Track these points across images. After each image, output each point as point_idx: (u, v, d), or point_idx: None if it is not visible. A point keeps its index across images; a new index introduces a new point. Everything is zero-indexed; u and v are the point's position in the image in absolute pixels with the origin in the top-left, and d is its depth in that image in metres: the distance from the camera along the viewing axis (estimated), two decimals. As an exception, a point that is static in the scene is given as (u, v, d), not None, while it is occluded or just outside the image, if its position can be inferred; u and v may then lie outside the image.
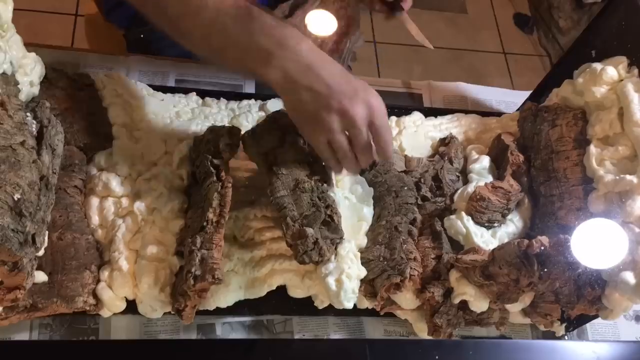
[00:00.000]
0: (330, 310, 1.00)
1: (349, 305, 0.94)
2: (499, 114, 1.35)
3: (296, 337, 1.04)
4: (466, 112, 1.32)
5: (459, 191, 1.08)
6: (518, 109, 1.38)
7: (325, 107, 0.89)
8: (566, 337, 1.09)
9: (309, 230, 0.90)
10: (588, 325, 1.13)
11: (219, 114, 1.17)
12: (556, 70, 1.34)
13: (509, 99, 1.46)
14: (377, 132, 0.92)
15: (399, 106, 1.33)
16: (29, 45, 1.01)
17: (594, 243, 0.87)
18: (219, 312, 0.99)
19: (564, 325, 1.05)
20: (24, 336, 0.96)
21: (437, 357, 0.67)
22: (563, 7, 3.05)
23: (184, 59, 1.35)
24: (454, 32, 3.06)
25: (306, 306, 1.03)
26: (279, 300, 1.02)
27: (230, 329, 1.04)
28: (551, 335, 1.10)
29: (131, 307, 0.96)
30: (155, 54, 1.37)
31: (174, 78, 1.31)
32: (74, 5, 2.11)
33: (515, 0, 3.31)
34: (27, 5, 1.44)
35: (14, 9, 0.94)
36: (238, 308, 1.00)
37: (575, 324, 1.08)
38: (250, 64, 0.90)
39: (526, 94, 1.39)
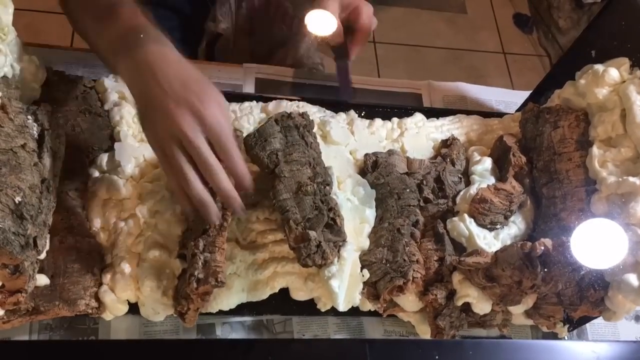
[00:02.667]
0: (331, 310, 1.01)
1: (346, 307, 0.94)
2: (498, 113, 1.35)
3: (296, 337, 1.04)
4: (466, 112, 1.32)
5: (461, 193, 1.07)
6: (518, 109, 1.38)
7: (153, 107, 0.83)
8: (566, 337, 1.09)
9: (312, 233, 0.90)
10: (588, 325, 1.13)
11: (221, 116, 1.16)
12: (556, 70, 1.34)
13: (508, 99, 1.46)
14: (217, 148, 0.83)
15: (398, 106, 1.33)
16: (28, 45, 1.00)
17: (594, 243, 0.87)
18: (219, 312, 0.99)
19: (566, 327, 1.05)
20: (23, 336, 0.96)
21: (436, 357, 0.67)
22: (563, 7, 3.05)
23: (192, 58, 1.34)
24: (453, 32, 3.06)
25: (306, 306, 1.03)
26: (279, 301, 1.02)
27: (230, 329, 1.04)
28: (551, 335, 1.10)
29: (131, 307, 0.96)
30: None
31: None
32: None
33: (515, 0, 3.31)
34: (26, 5, 1.43)
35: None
36: (238, 308, 1.00)
37: (575, 324, 1.08)
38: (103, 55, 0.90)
39: (526, 94, 1.39)
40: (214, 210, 0.86)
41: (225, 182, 0.84)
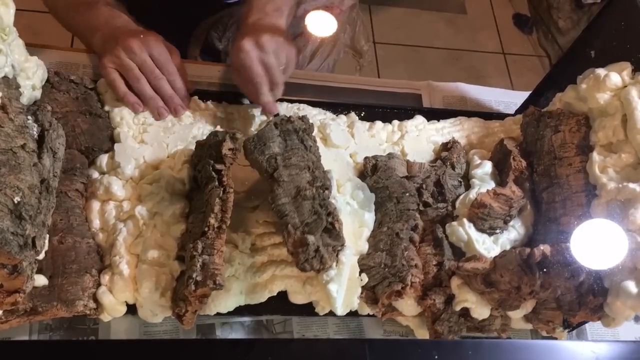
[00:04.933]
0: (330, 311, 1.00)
1: (344, 312, 0.94)
2: (498, 114, 1.35)
3: (296, 337, 1.04)
4: (466, 112, 1.32)
5: (460, 197, 1.07)
6: (517, 110, 1.38)
7: (110, 41, 1.12)
8: (566, 337, 1.09)
9: (310, 238, 0.89)
10: (587, 325, 1.13)
11: (221, 118, 1.16)
12: (555, 70, 1.34)
13: (508, 99, 1.46)
14: (160, 64, 1.14)
15: (398, 106, 1.33)
16: (28, 46, 1.00)
17: (593, 243, 0.87)
18: (218, 314, 0.99)
19: (566, 331, 1.05)
20: (23, 336, 0.96)
21: (436, 357, 0.67)
22: (562, 7, 3.05)
23: (183, 59, 1.35)
24: (453, 33, 3.06)
25: (306, 306, 1.03)
26: (278, 301, 1.02)
27: (229, 329, 1.04)
28: (550, 335, 1.09)
29: (131, 308, 0.95)
30: None
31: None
32: (74, 4, 2.10)
33: (515, 0, 3.30)
34: (27, 5, 1.43)
35: (13, 10, 0.94)
36: (238, 309, 1.00)
37: (574, 324, 1.07)
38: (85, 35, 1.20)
39: (525, 94, 1.39)
40: (160, 104, 1.13)
41: (167, 87, 1.14)
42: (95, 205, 0.99)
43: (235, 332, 1.04)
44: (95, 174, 1.02)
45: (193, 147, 1.05)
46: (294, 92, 1.33)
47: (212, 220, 0.90)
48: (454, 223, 1.04)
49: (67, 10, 1.21)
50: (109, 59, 1.11)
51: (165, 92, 1.13)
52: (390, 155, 1.13)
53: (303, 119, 1.03)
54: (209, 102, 1.19)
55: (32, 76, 0.97)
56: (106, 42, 1.13)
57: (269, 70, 1.12)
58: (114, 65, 1.11)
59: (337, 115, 1.23)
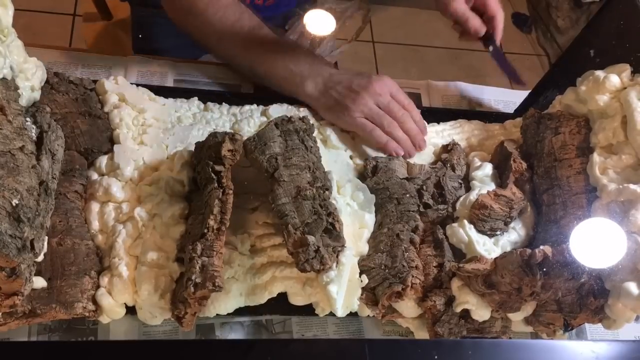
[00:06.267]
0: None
1: (344, 313, 0.94)
2: (497, 113, 1.35)
3: (295, 337, 1.04)
4: (465, 112, 1.32)
5: (461, 199, 1.07)
6: (516, 109, 1.38)
7: (352, 91, 1.14)
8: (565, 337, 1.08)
9: (311, 239, 0.89)
10: (587, 324, 1.12)
11: (221, 119, 1.16)
12: (555, 69, 1.34)
13: (507, 99, 1.46)
14: (400, 102, 1.17)
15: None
16: (27, 46, 1.00)
17: (593, 242, 0.87)
18: (217, 315, 0.99)
19: (566, 334, 1.05)
20: (22, 338, 0.96)
21: (436, 357, 0.67)
22: (561, 6, 3.05)
23: (183, 59, 1.35)
24: (452, 32, 3.04)
25: (305, 306, 1.03)
26: (278, 300, 1.01)
27: (229, 330, 1.04)
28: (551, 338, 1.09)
29: (131, 308, 0.95)
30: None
31: (173, 78, 1.31)
32: (72, 5, 2.09)
33: (514, -1, 3.31)
34: (25, 5, 1.43)
35: (12, 9, 0.93)
36: (237, 309, 0.99)
37: (575, 326, 1.07)
38: (288, 88, 1.20)
39: (524, 93, 1.39)
40: (409, 146, 1.17)
41: (411, 123, 1.17)
42: (95, 206, 0.99)
43: (235, 333, 1.04)
44: (95, 176, 1.02)
45: (192, 148, 1.04)
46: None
47: (211, 222, 0.90)
48: (455, 224, 1.04)
49: (233, 47, 1.24)
50: (358, 109, 1.14)
51: (411, 130, 1.17)
52: (390, 157, 1.14)
53: (304, 119, 1.03)
54: (208, 103, 1.19)
55: (31, 77, 0.97)
56: (335, 91, 1.16)
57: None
58: (363, 114, 1.14)
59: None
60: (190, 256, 0.88)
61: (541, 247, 0.89)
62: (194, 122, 1.14)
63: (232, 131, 1.05)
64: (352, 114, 1.14)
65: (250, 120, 1.15)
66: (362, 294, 0.96)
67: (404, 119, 1.16)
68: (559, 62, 1.30)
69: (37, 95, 0.99)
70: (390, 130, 1.14)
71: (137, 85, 1.15)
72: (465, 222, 1.03)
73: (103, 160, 1.03)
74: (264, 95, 1.23)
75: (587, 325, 1.13)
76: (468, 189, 1.11)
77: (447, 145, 1.20)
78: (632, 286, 0.91)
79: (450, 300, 0.98)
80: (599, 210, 0.99)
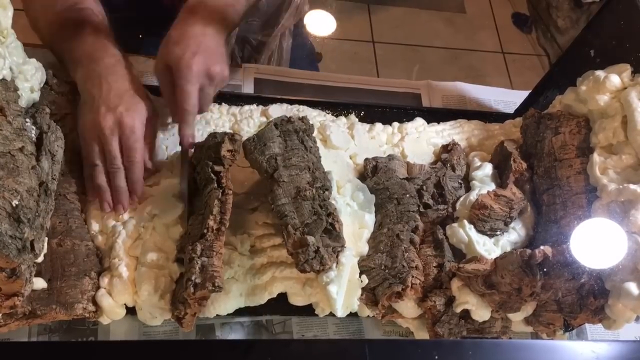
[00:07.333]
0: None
1: (344, 313, 0.94)
2: (497, 113, 1.35)
3: (295, 337, 1.04)
4: (465, 112, 1.32)
5: (461, 199, 1.07)
6: (517, 109, 1.38)
7: (90, 107, 1.00)
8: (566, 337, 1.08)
9: (310, 239, 0.89)
10: (587, 324, 1.12)
11: (220, 119, 1.16)
12: (555, 69, 1.34)
13: (507, 99, 1.46)
14: (125, 152, 0.99)
15: (397, 106, 1.33)
16: (26, 46, 1.00)
17: (593, 242, 0.87)
18: (217, 316, 0.99)
19: (566, 334, 1.05)
20: (22, 338, 0.95)
21: (436, 357, 0.66)
22: (561, 6, 3.04)
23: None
24: (452, 32, 3.05)
25: (305, 307, 1.03)
26: (278, 300, 1.01)
27: (229, 330, 1.04)
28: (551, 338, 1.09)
29: (131, 309, 0.95)
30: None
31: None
32: (72, 5, 2.09)
33: (514, -1, 3.31)
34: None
35: (11, 10, 0.94)
36: (237, 309, 1.00)
37: (575, 326, 1.07)
38: (67, 65, 1.07)
39: (525, 93, 1.39)
40: (106, 198, 0.99)
41: (120, 181, 0.99)
42: (95, 207, 0.99)
43: (235, 333, 1.03)
44: (95, 176, 1.01)
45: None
46: (293, 91, 1.33)
47: (211, 222, 0.90)
48: (455, 225, 1.04)
49: (49, 30, 1.12)
50: (82, 129, 1.01)
51: (114, 186, 0.99)
52: (390, 157, 1.13)
53: (303, 119, 1.03)
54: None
55: (30, 78, 0.97)
56: (89, 102, 1.01)
57: (203, 101, 1.05)
58: (83, 138, 1.01)
59: (337, 117, 1.23)
60: (190, 256, 0.88)
61: (541, 247, 0.89)
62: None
63: (231, 131, 1.05)
64: (80, 125, 1.01)
65: (249, 120, 1.16)
66: (362, 294, 0.96)
67: (113, 171, 0.99)
68: (559, 62, 1.30)
69: (36, 96, 0.99)
70: (92, 172, 1.00)
71: (137, 85, 1.14)
72: (465, 222, 1.03)
73: (103, 161, 1.02)
74: (264, 96, 1.23)
75: (587, 325, 1.13)
76: (468, 189, 1.11)
77: (447, 145, 1.20)
78: (632, 286, 0.91)
79: (450, 301, 0.98)
80: (599, 210, 0.99)
